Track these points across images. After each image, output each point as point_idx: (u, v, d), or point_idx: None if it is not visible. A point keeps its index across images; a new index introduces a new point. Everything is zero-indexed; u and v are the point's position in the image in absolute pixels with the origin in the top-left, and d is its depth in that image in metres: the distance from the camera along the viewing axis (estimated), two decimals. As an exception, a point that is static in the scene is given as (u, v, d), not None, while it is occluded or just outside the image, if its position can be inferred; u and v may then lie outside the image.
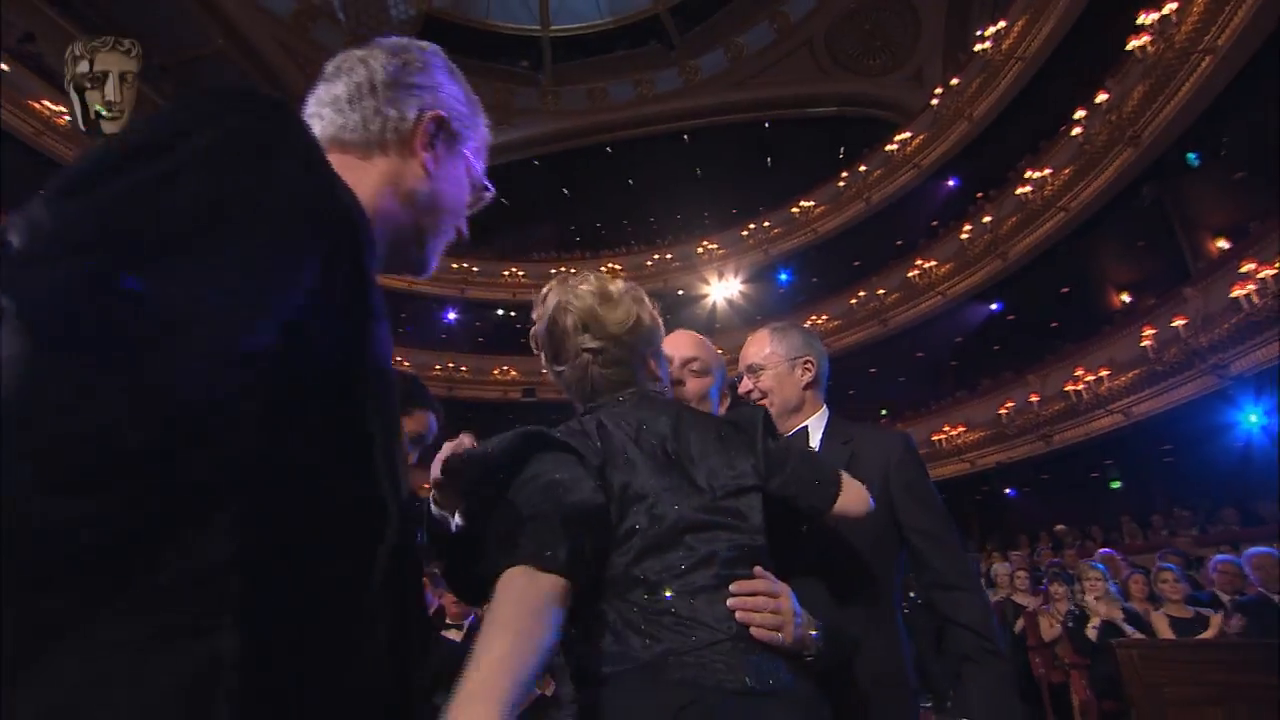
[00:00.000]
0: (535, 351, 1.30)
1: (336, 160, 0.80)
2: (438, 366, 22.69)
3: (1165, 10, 10.82)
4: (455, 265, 23.90)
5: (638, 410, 1.19)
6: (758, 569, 1.09)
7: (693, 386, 1.58)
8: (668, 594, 1.02)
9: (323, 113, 0.85)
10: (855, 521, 1.49)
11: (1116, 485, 16.04)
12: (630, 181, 30.49)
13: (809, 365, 1.77)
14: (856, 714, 1.43)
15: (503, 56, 27.08)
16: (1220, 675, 3.98)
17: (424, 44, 0.92)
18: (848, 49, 24.49)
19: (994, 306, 18.04)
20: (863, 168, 21.11)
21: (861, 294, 20.23)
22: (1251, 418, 10.74)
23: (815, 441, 1.70)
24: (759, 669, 1.00)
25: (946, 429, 16.78)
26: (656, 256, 25.11)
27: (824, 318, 21.02)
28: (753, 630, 1.01)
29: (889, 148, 20.08)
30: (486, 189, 0.96)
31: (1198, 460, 12.54)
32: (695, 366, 1.59)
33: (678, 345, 1.61)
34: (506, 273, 24.65)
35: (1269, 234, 9.94)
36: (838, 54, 24.76)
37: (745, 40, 25.91)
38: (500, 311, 25.51)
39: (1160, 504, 13.09)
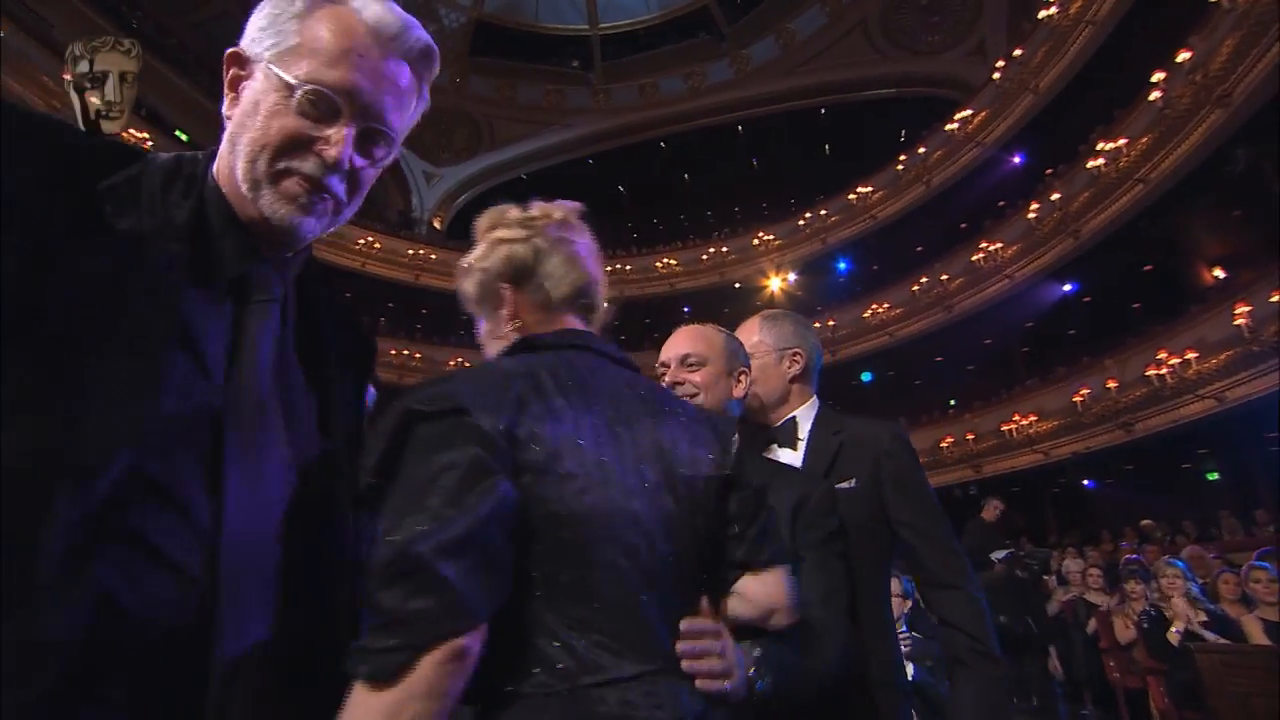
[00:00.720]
0: None
1: None
2: (495, 367, 23.08)
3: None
4: (511, 267, 24.31)
5: (582, 365, 0.96)
6: (703, 602, 0.91)
7: (697, 380, 1.54)
8: (596, 608, 0.82)
9: None
10: (846, 512, 1.46)
11: (1214, 477, 14.89)
12: (685, 176, 30.32)
13: (797, 357, 1.75)
14: (839, 717, 1.31)
15: (553, 58, 27.37)
16: (1318, 685, 3.53)
17: None
18: (904, 27, 23.61)
19: (1067, 288, 17.03)
20: (922, 149, 20.33)
21: (924, 280, 19.45)
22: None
23: (804, 432, 1.68)
24: (677, 702, 0.83)
25: (1017, 418, 15.94)
26: (712, 250, 24.86)
27: (885, 306, 20.35)
28: (698, 682, 0.85)
29: (949, 127, 19.26)
30: (291, 87, 0.76)
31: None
32: (692, 361, 1.55)
33: (672, 345, 1.59)
34: (561, 273, 24.91)
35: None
36: (893, 33, 23.91)
37: (796, 26, 25.34)
38: (556, 311, 25.82)
39: (1266, 497, 12.03)
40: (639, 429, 0.92)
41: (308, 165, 0.77)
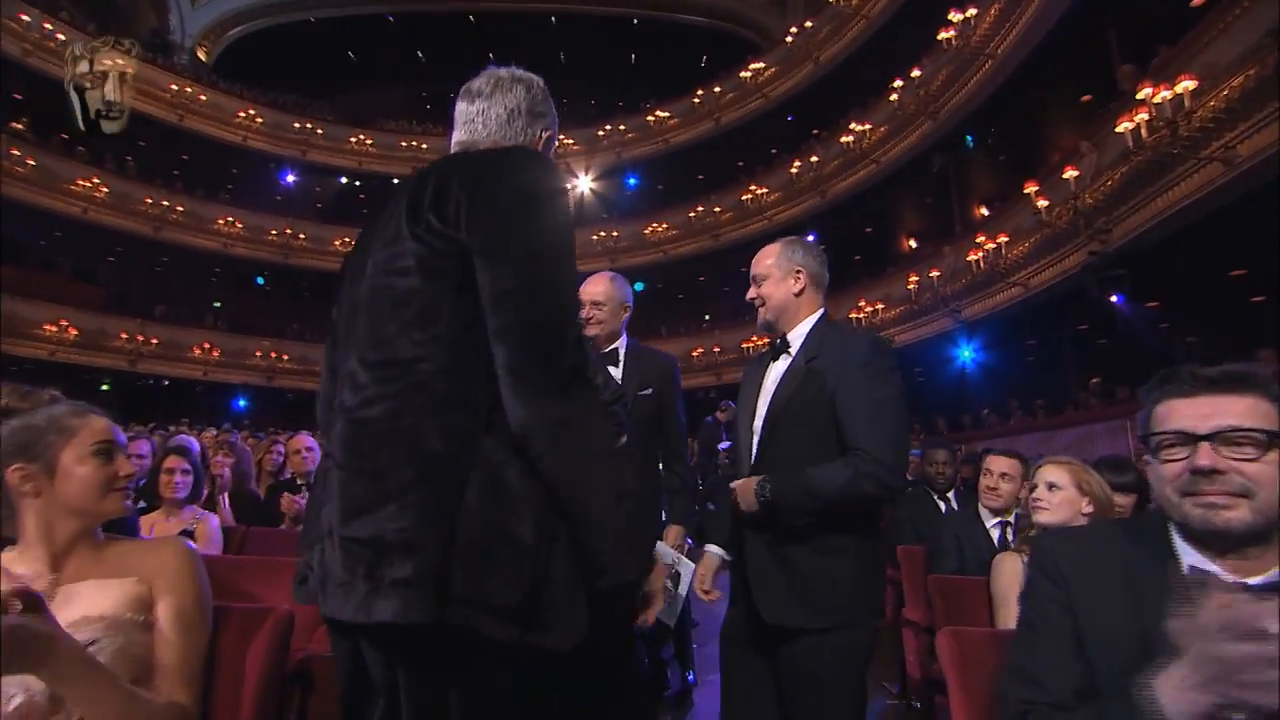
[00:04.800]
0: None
1: None
2: (274, 231, 21.61)
3: (968, 13, 12.78)
4: (297, 125, 22.38)
5: None
6: None
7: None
8: None
9: (487, 124, 1.25)
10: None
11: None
12: (490, 55, 29.13)
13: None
14: None
15: (360, -109, 24.45)
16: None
17: (536, 79, 1.32)
18: (721, -40, 24.87)
19: (810, 238, 20.42)
20: (717, 89, 22.22)
21: (700, 209, 21.88)
22: (967, 353, 14.06)
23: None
24: None
25: (755, 339, 19.27)
26: (512, 142, 24.88)
27: (664, 226, 22.54)
28: None
29: (743, 74, 21.26)
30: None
31: (938, 381, 15.94)
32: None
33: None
34: (354, 139, 23.43)
35: (1007, 211, 12.67)
36: (712, -37, 25.07)
37: (624, -70, 25.35)
38: (344, 180, 24.42)
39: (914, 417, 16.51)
40: None
41: None
